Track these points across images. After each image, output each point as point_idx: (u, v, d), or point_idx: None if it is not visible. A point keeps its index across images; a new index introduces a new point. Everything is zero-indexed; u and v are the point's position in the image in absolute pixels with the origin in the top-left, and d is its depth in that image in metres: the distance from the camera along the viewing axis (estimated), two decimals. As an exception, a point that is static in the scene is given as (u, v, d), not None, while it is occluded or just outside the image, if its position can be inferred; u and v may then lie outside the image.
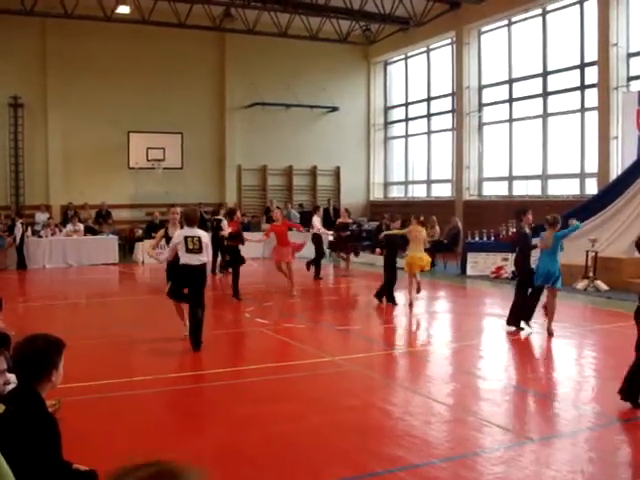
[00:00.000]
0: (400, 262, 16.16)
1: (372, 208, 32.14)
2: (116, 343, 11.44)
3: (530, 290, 12.38)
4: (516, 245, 13.11)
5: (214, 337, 12.12)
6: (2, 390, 4.08)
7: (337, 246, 22.69)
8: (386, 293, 15.65)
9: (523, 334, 12.29)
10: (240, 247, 16.49)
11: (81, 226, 24.94)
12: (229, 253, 16.91)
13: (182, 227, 11.31)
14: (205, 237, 11.05)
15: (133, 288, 20.57)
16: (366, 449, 6.73)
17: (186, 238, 10.83)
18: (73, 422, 6.64)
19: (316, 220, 21.48)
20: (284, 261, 17.06)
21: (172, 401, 8.78)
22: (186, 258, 10.86)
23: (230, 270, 17.50)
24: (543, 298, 12.29)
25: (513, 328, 12.49)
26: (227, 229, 17.40)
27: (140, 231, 26.05)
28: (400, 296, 15.99)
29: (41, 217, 25.77)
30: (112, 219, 26.90)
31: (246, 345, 12.53)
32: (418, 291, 15.79)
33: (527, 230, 12.61)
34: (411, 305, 15.28)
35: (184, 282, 11.13)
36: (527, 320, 12.46)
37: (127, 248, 26.16)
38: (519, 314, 12.48)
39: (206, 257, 11.04)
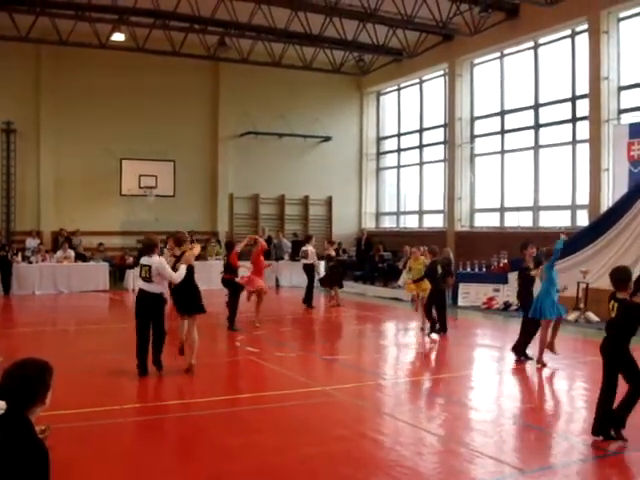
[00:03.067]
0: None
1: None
2: (105, 370, 11.33)
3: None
4: (519, 279, 13.26)
5: (205, 365, 12.03)
6: (-9, 416, 4.02)
7: (323, 279, 22.45)
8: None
9: (528, 366, 12.28)
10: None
11: (72, 252, 24.87)
12: (229, 286, 16.58)
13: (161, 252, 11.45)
14: (158, 266, 10.91)
15: (123, 315, 20.33)
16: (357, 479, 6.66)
17: (141, 266, 11.08)
18: (60, 450, 6.53)
19: (311, 250, 21.37)
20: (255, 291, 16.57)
21: (161, 429, 8.69)
22: (141, 284, 11.14)
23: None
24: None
25: (522, 357, 12.54)
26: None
27: (131, 258, 25.95)
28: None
29: (32, 243, 25.68)
30: (103, 246, 26.80)
31: (236, 374, 12.44)
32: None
33: (529, 264, 12.68)
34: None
35: (140, 307, 11.15)
36: (519, 353, 12.55)
37: (117, 275, 26.07)
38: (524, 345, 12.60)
39: (156, 286, 11.00)
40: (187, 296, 11.41)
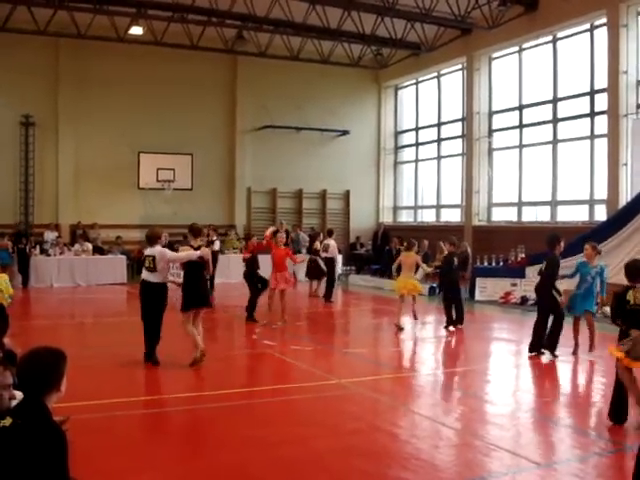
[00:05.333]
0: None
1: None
2: (121, 362, 11.41)
3: (553, 317, 12.32)
4: (548, 270, 12.59)
5: (221, 358, 12.10)
6: (8, 405, 4.07)
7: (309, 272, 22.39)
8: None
9: (544, 359, 12.22)
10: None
11: (89, 245, 24.99)
12: (248, 278, 16.50)
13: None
14: (160, 255, 11.15)
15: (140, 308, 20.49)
16: (372, 472, 6.66)
17: (145, 257, 11.29)
18: (74, 440, 6.59)
19: (332, 244, 21.32)
20: (279, 289, 16.08)
21: (176, 421, 8.74)
22: (144, 275, 11.34)
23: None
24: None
25: (534, 353, 12.42)
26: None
27: (149, 251, 26.00)
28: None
29: (50, 236, 25.80)
30: (121, 239, 26.89)
31: (252, 367, 12.47)
32: (415, 317, 16.06)
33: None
34: (399, 329, 15.33)
35: (143, 297, 11.42)
36: (552, 349, 12.35)
37: (135, 268, 26.11)
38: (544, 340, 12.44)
39: (159, 276, 11.21)
40: (197, 290, 11.45)
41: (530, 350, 12.43)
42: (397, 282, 16.00)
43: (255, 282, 16.29)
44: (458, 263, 16.06)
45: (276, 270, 16.02)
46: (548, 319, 12.33)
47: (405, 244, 16.24)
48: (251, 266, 16.29)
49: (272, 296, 16.11)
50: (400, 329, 15.32)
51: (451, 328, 15.38)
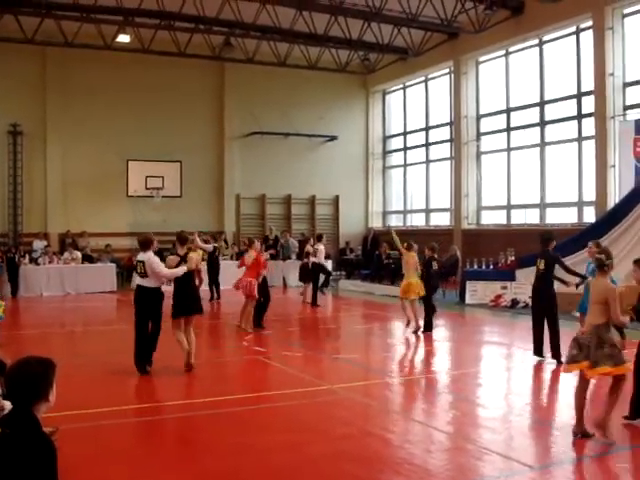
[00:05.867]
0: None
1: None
2: (111, 371, 11.35)
3: (547, 320, 12.21)
4: (549, 269, 12.35)
5: (211, 365, 12.08)
6: (-2, 415, 4.05)
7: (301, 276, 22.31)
8: None
9: (536, 363, 12.20)
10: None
11: (79, 254, 24.92)
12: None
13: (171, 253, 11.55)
14: (149, 262, 11.11)
15: (131, 316, 20.41)
16: (364, 477, 6.65)
17: (137, 262, 11.34)
18: (64, 450, 6.56)
19: (321, 249, 21.28)
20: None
21: (166, 429, 8.70)
22: (138, 280, 11.41)
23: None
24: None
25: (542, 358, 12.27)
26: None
27: (138, 259, 25.94)
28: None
29: (39, 245, 25.74)
30: (110, 247, 26.83)
31: (243, 373, 12.43)
32: (408, 324, 15.80)
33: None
34: (413, 329, 15.28)
35: (137, 303, 11.39)
36: (558, 358, 11.95)
37: (125, 276, 26.09)
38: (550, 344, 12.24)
39: (152, 281, 11.18)
40: (186, 298, 11.43)
41: (536, 354, 12.29)
42: (402, 286, 15.89)
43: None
44: (438, 268, 16.01)
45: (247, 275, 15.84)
46: (544, 320, 12.24)
47: (405, 245, 16.19)
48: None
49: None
50: (418, 329, 15.34)
51: (419, 333, 15.41)
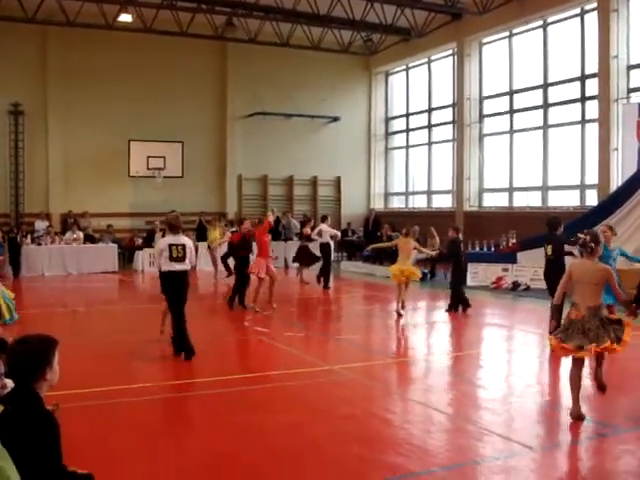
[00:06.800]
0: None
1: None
2: (114, 350, 11.39)
3: None
4: (556, 253, 12.24)
5: (213, 345, 12.10)
6: (0, 393, 4.07)
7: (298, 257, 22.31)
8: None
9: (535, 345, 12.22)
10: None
11: (80, 234, 24.93)
12: (239, 261, 16.47)
13: (164, 235, 11.35)
14: (189, 244, 11.05)
15: (132, 296, 20.55)
16: (365, 457, 6.68)
17: (170, 246, 10.80)
18: (68, 428, 6.58)
19: (325, 228, 21.25)
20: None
21: (169, 408, 8.75)
22: (169, 266, 10.84)
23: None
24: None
25: None
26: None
27: (140, 240, 26.00)
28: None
29: (41, 225, 25.75)
30: (112, 227, 26.85)
31: (245, 353, 12.49)
32: (402, 307, 15.68)
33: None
34: (399, 315, 15.27)
35: (167, 288, 11.08)
36: None
37: (127, 256, 26.12)
38: None
39: (189, 264, 11.04)
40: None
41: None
42: (394, 268, 15.83)
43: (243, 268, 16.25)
44: (457, 249, 16.13)
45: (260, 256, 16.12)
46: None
47: (404, 230, 16.21)
48: (244, 250, 16.28)
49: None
50: (400, 315, 15.29)
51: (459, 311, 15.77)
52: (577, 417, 7.62)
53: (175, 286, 10.92)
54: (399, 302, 15.47)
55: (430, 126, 30.45)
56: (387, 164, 33.29)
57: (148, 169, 27.21)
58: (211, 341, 12.25)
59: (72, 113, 27.06)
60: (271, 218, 17.06)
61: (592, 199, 22.18)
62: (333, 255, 22.56)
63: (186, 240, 11.10)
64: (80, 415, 7.52)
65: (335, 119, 31.59)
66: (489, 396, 9.02)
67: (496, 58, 26.90)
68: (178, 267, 10.84)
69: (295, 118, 30.59)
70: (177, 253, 10.77)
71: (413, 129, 31.70)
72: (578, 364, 7.77)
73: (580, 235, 7.89)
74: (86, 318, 16.34)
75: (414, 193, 31.77)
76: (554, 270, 11.80)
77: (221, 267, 22.71)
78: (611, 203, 19.31)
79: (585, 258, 7.77)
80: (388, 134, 33.19)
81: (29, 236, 24.35)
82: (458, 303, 15.83)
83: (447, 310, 15.88)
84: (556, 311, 8.05)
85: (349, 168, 32.01)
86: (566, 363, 11.32)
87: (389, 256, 25.52)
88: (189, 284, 11.24)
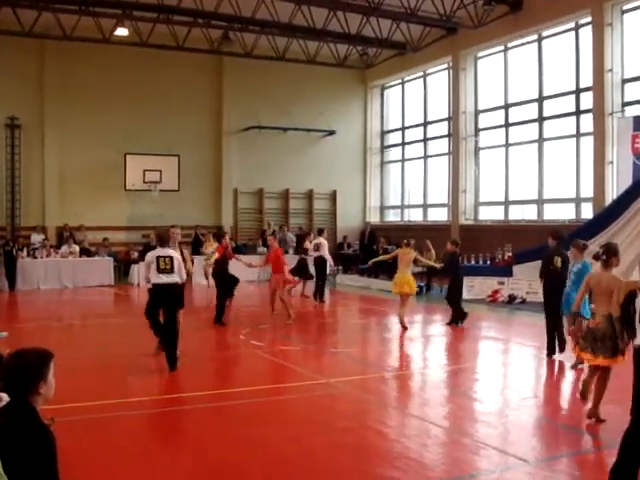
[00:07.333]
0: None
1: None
2: (110, 364, 11.37)
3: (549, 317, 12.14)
4: (564, 269, 11.89)
5: (209, 358, 12.09)
6: (-6, 407, 4.06)
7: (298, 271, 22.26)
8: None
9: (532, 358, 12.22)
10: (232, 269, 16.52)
11: (76, 247, 24.92)
12: (218, 278, 16.30)
13: (155, 247, 11.38)
14: (177, 256, 11.06)
15: (128, 310, 20.49)
16: (361, 470, 6.68)
17: (158, 258, 10.89)
18: (65, 442, 6.57)
19: (323, 243, 21.22)
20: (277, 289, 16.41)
21: (166, 422, 8.73)
22: (157, 278, 10.92)
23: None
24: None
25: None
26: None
27: (136, 253, 25.96)
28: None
29: (37, 238, 25.74)
30: (108, 241, 26.84)
31: (241, 367, 12.45)
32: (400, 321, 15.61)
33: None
34: (404, 326, 15.24)
35: (158, 301, 11.13)
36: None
37: (122, 270, 26.10)
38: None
39: (178, 277, 11.05)
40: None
41: (549, 355, 12.13)
42: (395, 279, 15.83)
43: (226, 281, 16.23)
44: (456, 262, 16.24)
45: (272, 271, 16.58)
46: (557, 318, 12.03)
47: (405, 241, 16.24)
48: (223, 264, 16.22)
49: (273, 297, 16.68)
50: (405, 328, 15.27)
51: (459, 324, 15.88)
52: (593, 417, 8.11)
53: (164, 300, 11.00)
54: (402, 315, 15.46)
55: (426, 139, 30.50)
56: (383, 177, 33.32)
57: (144, 183, 27.20)
58: (206, 354, 12.23)
59: (68, 126, 27.08)
60: (227, 238, 17.14)
61: (587, 212, 22.22)
62: (329, 269, 22.45)
63: (173, 252, 11.11)
64: (77, 429, 7.50)
65: (331, 133, 31.64)
66: (485, 409, 9.02)
67: (491, 72, 26.99)
68: (165, 279, 10.89)
69: (291, 132, 30.64)
70: (164, 265, 10.85)
71: (409, 142, 31.75)
72: (593, 368, 8.27)
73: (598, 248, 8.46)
74: (82, 332, 16.32)
75: (410, 206, 31.80)
76: (560, 284, 11.56)
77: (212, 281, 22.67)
78: (606, 216, 19.34)
79: (602, 269, 8.14)
80: (384, 147, 33.25)
81: (25, 249, 24.30)
82: (459, 317, 15.87)
83: (448, 323, 15.92)
84: (574, 317, 8.59)
85: (345, 181, 32.04)
86: (563, 376, 11.37)
87: (386, 269, 25.62)
88: (181, 297, 11.22)
